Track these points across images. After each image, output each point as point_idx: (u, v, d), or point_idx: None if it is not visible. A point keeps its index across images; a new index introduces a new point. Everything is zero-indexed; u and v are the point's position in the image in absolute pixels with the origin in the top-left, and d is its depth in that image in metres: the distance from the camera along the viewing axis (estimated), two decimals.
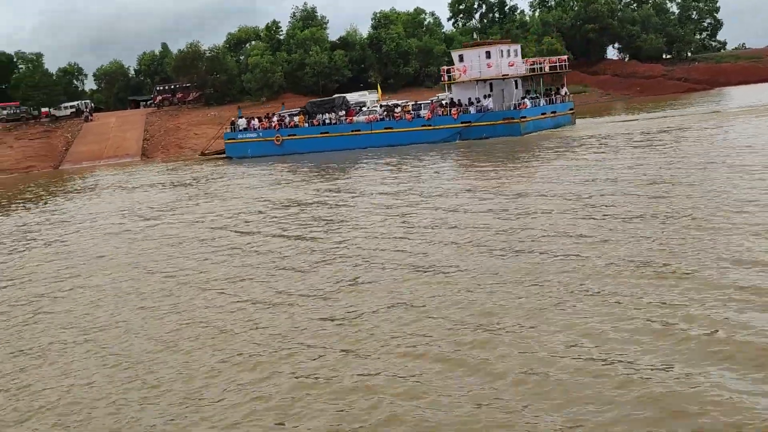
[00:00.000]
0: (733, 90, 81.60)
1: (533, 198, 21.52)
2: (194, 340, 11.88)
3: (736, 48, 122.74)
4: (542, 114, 49.16)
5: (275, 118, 55.75)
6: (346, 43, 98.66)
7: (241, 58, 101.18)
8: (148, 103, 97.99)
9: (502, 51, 49.09)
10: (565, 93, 53.73)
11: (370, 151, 47.22)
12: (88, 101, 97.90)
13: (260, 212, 25.36)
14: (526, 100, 48.51)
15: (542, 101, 50.73)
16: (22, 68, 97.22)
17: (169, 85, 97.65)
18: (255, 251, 18.26)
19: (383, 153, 44.84)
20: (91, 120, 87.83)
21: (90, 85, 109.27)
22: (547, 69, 53.99)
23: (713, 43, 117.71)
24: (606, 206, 18.83)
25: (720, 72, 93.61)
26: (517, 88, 49.69)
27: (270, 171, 42.52)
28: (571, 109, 52.76)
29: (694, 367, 8.67)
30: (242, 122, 56.64)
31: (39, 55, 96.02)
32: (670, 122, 44.18)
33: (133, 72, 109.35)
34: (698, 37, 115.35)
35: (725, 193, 18.61)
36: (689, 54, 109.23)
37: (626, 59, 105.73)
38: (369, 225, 20.21)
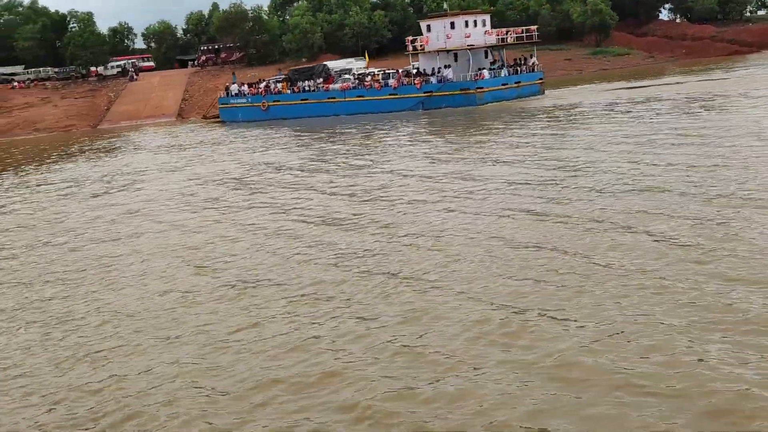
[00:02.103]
0: None
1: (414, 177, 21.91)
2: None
3: None
4: (503, 85, 49.40)
5: (262, 85, 57.25)
6: (386, 3, 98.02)
7: (287, 18, 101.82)
8: (194, 62, 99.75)
9: (467, 22, 49.52)
10: (533, 63, 53.34)
11: (343, 118, 48.61)
12: (147, 57, 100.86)
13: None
14: (484, 71, 48.96)
15: (505, 72, 50.75)
16: (74, 27, 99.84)
17: (214, 45, 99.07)
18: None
19: (351, 120, 46.22)
20: (136, 79, 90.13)
21: (139, 44, 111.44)
22: (506, 40, 53.34)
23: None
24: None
25: None
26: (487, 57, 50.51)
27: (253, 137, 43.94)
28: (540, 79, 52.55)
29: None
30: (234, 88, 58.43)
31: (89, 14, 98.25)
32: (657, 91, 43.76)
33: (181, 32, 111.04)
34: None
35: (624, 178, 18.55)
36: (747, 13, 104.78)
37: (678, 20, 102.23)
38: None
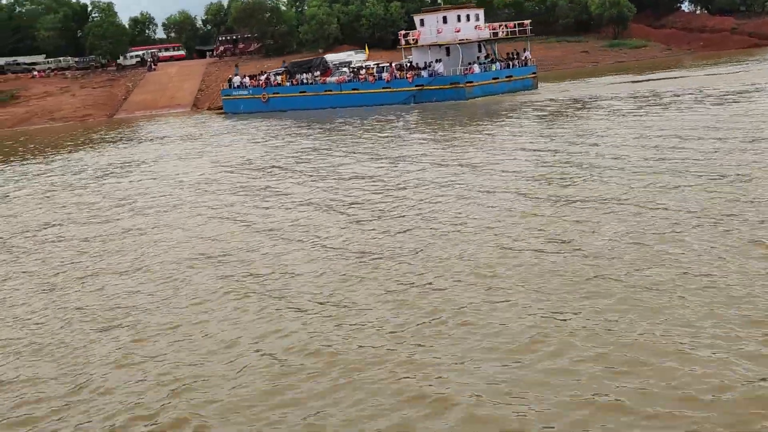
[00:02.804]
0: None
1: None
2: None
3: None
4: (494, 79, 49.59)
5: (263, 77, 57.96)
6: None
7: (305, 8, 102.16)
8: (212, 53, 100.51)
9: (459, 16, 49.85)
10: (526, 57, 53.22)
11: (339, 111, 49.15)
12: (177, 46, 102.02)
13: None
14: (475, 65, 49.16)
15: (496, 66, 50.89)
16: (96, 17, 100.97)
17: (232, 35, 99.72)
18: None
19: (345, 113, 46.80)
20: (154, 69, 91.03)
21: (160, 34, 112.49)
22: (498, 34, 53.23)
23: None
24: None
25: None
26: (480, 51, 50.82)
27: (254, 127, 44.54)
28: (533, 74, 52.48)
29: None
30: (237, 79, 59.24)
31: (110, 5, 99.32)
32: (658, 85, 43.67)
33: (200, 22, 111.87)
34: None
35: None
36: None
37: (698, 11, 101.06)
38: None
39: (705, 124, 25.68)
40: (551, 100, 41.75)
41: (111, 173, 30.21)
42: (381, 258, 13.43)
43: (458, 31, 48.69)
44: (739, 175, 16.85)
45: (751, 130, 23.06)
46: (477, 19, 50.77)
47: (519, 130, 30.74)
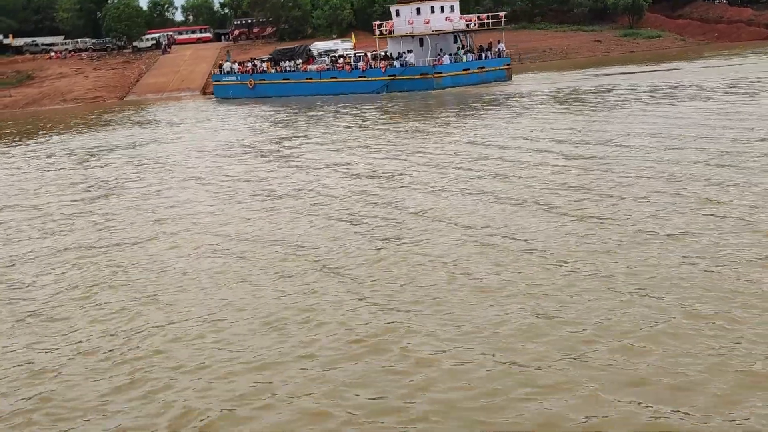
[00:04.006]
0: None
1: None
2: None
3: None
4: (464, 70, 50.00)
5: (249, 64, 59.08)
6: None
7: None
8: (227, 36, 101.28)
9: (432, 7, 50.24)
10: (500, 49, 53.24)
11: (318, 98, 50.35)
12: (204, 28, 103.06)
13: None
14: (445, 56, 49.63)
15: (468, 57, 51.17)
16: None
17: (247, 19, 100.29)
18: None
19: (323, 101, 48.26)
20: (169, 52, 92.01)
21: (179, 17, 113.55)
22: (469, 26, 53.29)
23: None
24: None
25: None
26: (456, 42, 51.34)
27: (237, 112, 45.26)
28: (507, 65, 52.63)
29: None
30: (227, 65, 60.30)
31: None
32: (643, 79, 43.56)
33: (218, 5, 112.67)
34: None
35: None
36: None
37: (717, 1, 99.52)
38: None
39: (655, 121, 25.73)
40: (519, 93, 42.20)
41: (83, 157, 30.92)
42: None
43: (427, 23, 49.04)
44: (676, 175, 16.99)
45: (684, 136, 23.07)
46: (452, 10, 51.06)
47: (469, 122, 31.33)
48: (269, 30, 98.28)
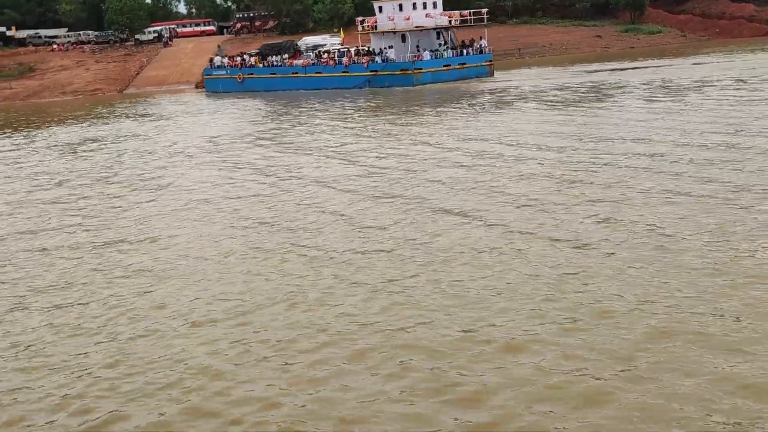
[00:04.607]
0: None
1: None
2: None
3: None
4: (444, 66, 50.38)
5: (238, 59, 59.89)
6: None
7: None
8: (229, 30, 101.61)
9: (414, 4, 50.73)
10: (482, 46, 53.48)
11: (303, 93, 50.89)
12: (208, 21, 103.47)
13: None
14: (426, 52, 50.02)
15: (448, 53, 51.54)
16: None
17: (249, 13, 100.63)
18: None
19: (307, 96, 48.73)
20: (171, 45, 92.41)
21: (181, 10, 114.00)
22: (451, 22, 53.57)
23: None
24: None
25: None
26: (439, 38, 51.96)
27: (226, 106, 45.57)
28: (488, 61, 52.82)
29: None
30: (217, 60, 60.89)
31: None
32: (627, 76, 43.57)
33: None
34: None
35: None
36: None
37: None
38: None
39: (614, 122, 25.82)
40: (498, 89, 42.36)
41: (66, 149, 31.25)
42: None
43: (407, 19, 49.33)
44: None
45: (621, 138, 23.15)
46: (435, 6, 51.35)
47: (441, 118, 31.58)
48: (271, 23, 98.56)
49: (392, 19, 49.98)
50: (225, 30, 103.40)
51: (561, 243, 12.25)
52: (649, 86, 36.60)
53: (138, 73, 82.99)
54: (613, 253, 11.53)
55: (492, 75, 51.57)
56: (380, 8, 51.99)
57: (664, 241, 11.88)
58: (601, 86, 38.94)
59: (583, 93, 36.33)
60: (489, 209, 14.81)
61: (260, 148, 26.93)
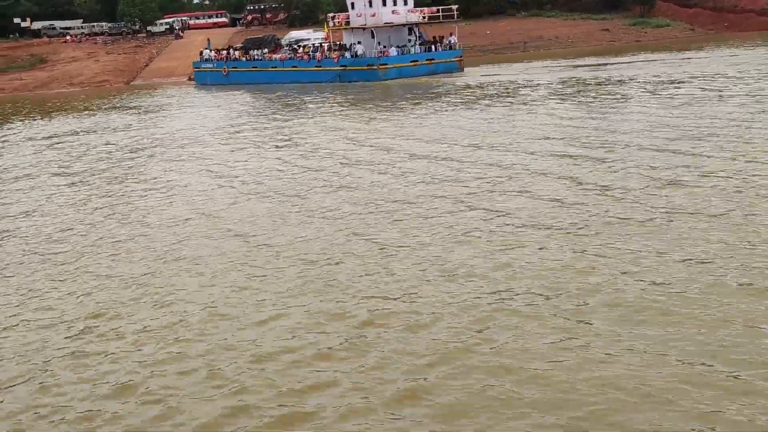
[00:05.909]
0: None
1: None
2: None
3: None
4: (412, 62, 51.20)
5: (224, 52, 61.65)
6: None
7: None
8: (240, 21, 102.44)
9: (384, 1, 51.62)
10: (451, 42, 53.84)
11: (280, 86, 52.13)
12: (221, 13, 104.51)
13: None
14: (392, 48, 51.00)
15: (416, 49, 52.33)
16: None
17: (260, 5, 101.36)
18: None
19: (282, 89, 50.20)
20: (181, 37, 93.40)
21: (195, 0, 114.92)
22: (420, 19, 54.26)
23: None
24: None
25: None
26: (411, 35, 52.95)
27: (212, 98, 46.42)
28: (458, 57, 53.16)
29: None
30: (206, 53, 62.19)
31: None
32: (610, 72, 43.50)
33: None
34: None
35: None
36: None
37: None
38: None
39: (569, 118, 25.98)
40: (465, 85, 42.55)
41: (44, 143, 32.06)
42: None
43: (374, 15, 50.10)
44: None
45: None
46: (405, 3, 51.94)
47: (403, 113, 31.93)
48: (281, 15, 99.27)
49: (360, 16, 50.84)
50: (237, 22, 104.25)
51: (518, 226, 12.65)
52: (610, 83, 36.59)
53: (147, 65, 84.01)
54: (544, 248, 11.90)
55: (462, 70, 52.04)
56: (352, 4, 52.72)
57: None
58: (568, 83, 38.83)
59: (544, 91, 36.20)
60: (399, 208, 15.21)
61: (223, 145, 27.43)
